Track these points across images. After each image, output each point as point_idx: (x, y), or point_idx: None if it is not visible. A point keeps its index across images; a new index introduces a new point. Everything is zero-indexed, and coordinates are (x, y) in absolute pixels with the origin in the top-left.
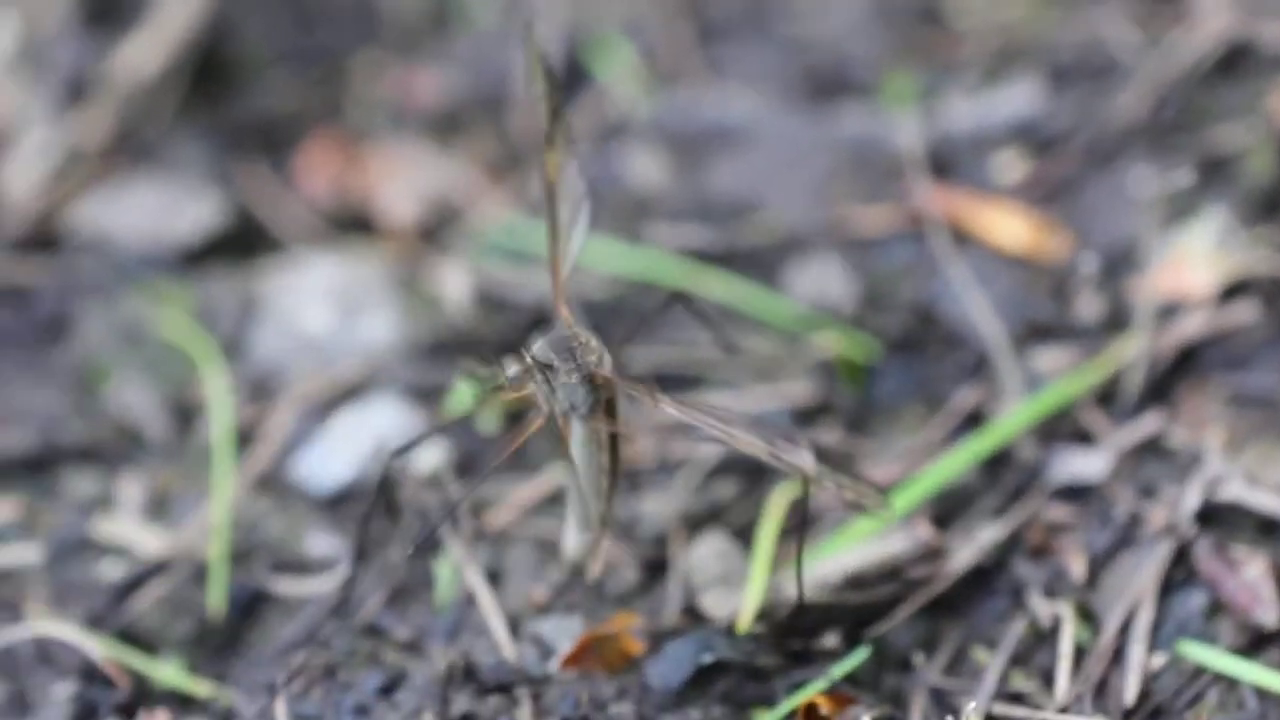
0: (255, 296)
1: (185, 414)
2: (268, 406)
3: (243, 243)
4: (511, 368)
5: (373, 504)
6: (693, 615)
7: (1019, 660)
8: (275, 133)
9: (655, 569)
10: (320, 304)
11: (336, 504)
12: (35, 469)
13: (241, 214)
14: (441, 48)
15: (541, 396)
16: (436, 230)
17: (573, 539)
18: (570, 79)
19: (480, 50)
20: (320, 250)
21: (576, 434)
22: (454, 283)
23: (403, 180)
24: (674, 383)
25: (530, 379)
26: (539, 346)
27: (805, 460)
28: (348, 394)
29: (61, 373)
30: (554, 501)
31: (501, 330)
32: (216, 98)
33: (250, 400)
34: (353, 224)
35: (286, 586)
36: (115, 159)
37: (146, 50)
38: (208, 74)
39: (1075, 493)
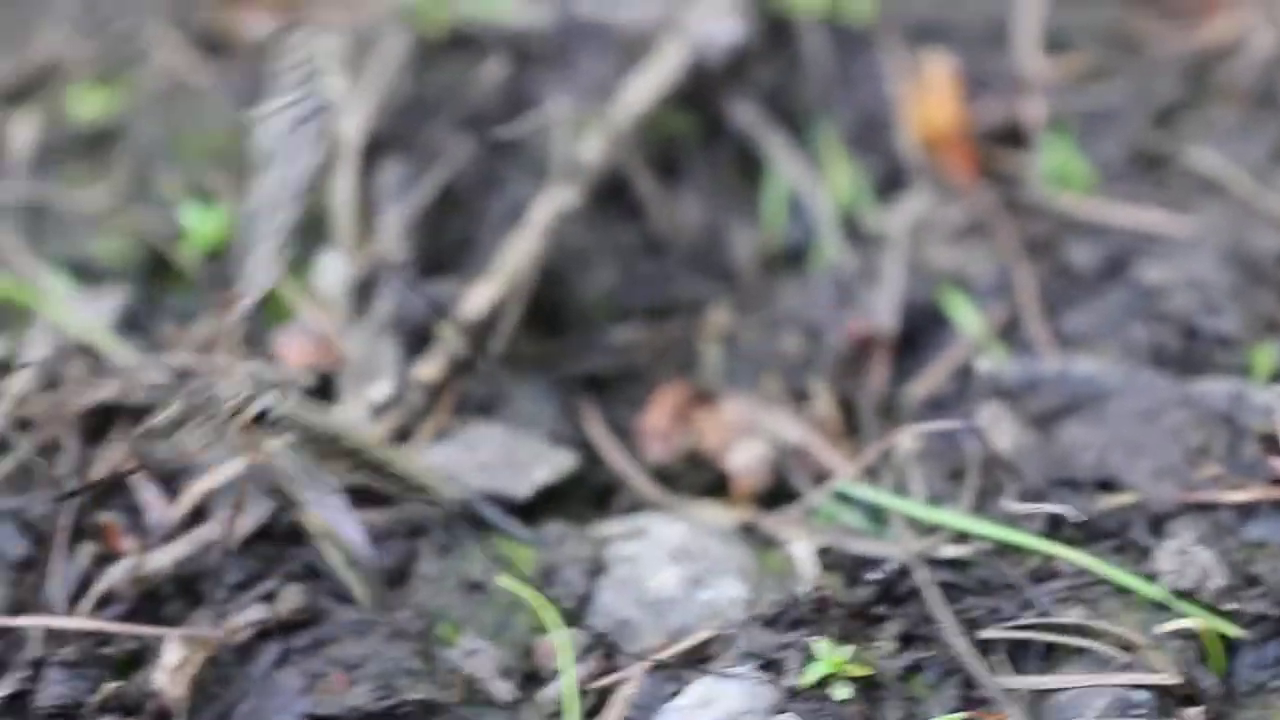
0: (600, 554)
1: (530, 673)
2: (615, 670)
3: (586, 497)
4: None
5: None
6: None
7: None
8: (621, 386)
9: None
10: (667, 566)
11: None
12: None
13: (585, 468)
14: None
15: None
16: (783, 490)
17: None
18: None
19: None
20: (666, 509)
21: None
22: (801, 548)
23: (750, 439)
24: (1033, 653)
25: None
26: None
27: None
28: (696, 659)
29: (402, 623)
30: None
31: (855, 599)
32: (560, 348)
33: (596, 663)
34: (699, 482)
35: None
36: (456, 409)
37: (484, 300)
38: (551, 323)
39: None
